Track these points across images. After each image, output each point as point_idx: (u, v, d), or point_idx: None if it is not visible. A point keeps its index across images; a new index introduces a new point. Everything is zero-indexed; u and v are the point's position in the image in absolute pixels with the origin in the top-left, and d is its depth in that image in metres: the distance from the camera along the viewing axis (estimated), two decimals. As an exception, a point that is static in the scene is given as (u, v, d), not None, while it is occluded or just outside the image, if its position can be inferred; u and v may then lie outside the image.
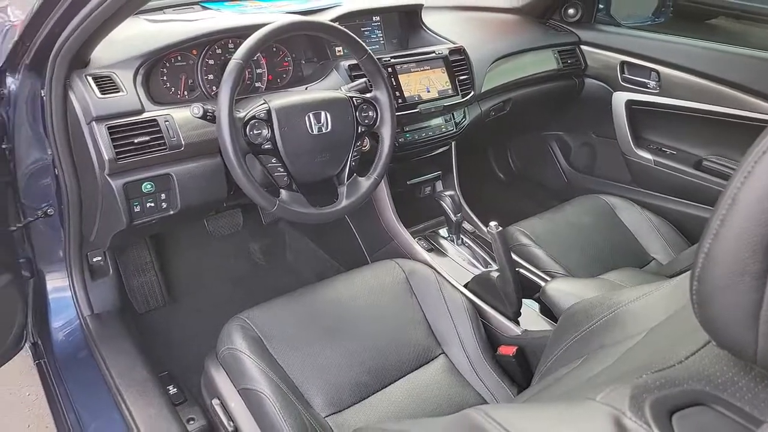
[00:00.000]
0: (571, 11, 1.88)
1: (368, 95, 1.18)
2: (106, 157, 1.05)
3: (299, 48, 1.41)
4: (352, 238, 1.62)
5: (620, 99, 1.80)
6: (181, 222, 1.55)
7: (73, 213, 1.26)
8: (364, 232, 1.58)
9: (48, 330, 1.37)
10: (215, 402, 1.07)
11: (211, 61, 1.29)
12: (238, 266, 1.85)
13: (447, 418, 0.51)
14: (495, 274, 1.21)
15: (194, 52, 1.27)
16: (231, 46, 1.31)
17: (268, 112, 1.05)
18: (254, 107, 1.06)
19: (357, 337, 1.14)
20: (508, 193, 2.28)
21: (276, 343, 1.09)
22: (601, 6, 1.88)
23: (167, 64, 1.24)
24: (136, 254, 1.65)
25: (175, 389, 1.27)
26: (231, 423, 1.03)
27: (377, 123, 1.18)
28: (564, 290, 1.08)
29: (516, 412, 0.45)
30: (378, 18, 1.57)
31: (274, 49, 1.38)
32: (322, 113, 1.10)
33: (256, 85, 1.36)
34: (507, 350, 1.15)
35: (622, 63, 1.78)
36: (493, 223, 1.12)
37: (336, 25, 1.11)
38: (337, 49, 1.49)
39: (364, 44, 1.14)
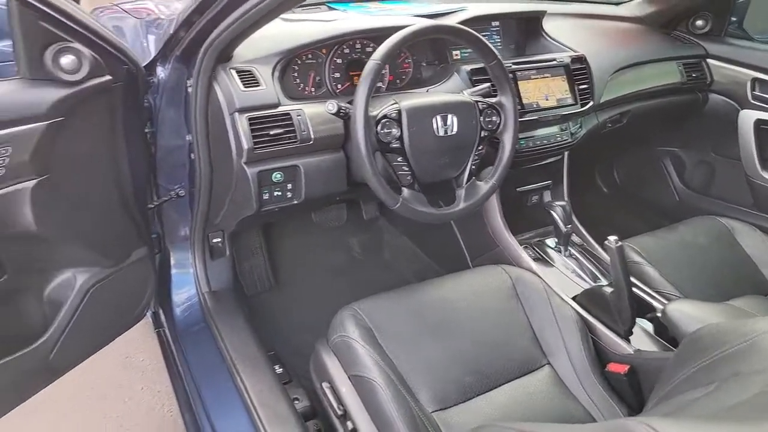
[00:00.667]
0: (699, 23, 1.80)
1: (493, 100, 1.20)
2: (245, 146, 1.14)
3: (421, 50, 1.46)
4: (455, 241, 1.64)
5: (748, 118, 1.71)
6: (298, 212, 1.64)
7: (203, 196, 1.37)
8: (468, 236, 1.60)
9: (170, 302, 1.49)
10: (325, 385, 1.13)
11: (339, 60, 1.36)
12: (337, 258, 1.93)
13: (593, 427, 0.52)
14: (608, 290, 1.19)
15: (324, 51, 1.34)
16: (358, 46, 1.37)
17: (399, 112, 1.09)
18: (385, 107, 1.11)
19: (462, 337, 1.16)
20: (610, 207, 2.22)
21: (385, 335, 1.13)
22: (733, 19, 1.79)
23: (299, 62, 1.32)
24: (247, 239, 1.76)
25: (281, 369, 1.35)
26: (341, 407, 1.08)
27: (500, 128, 1.20)
28: (688, 313, 1.05)
29: (683, 428, 0.46)
30: (497, 23, 1.59)
31: (398, 51, 1.43)
32: (449, 116, 1.13)
33: (378, 85, 1.42)
34: (618, 368, 1.13)
35: (754, 80, 1.69)
36: (612, 238, 1.11)
37: (472, 30, 1.14)
38: (454, 52, 1.51)
39: (495, 50, 1.16)
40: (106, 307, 1.25)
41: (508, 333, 1.20)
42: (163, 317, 1.56)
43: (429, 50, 1.46)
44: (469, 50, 1.52)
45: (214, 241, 1.54)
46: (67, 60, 0.96)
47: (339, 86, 1.37)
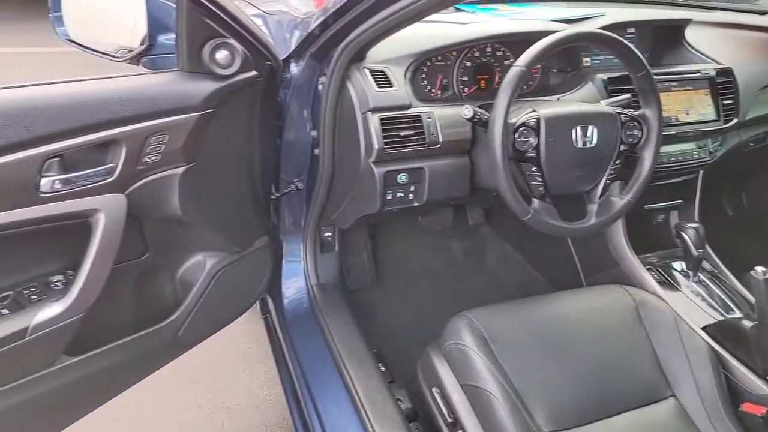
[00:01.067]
0: None
1: (635, 113, 1.14)
2: (375, 145, 1.16)
3: (552, 56, 1.41)
4: (567, 255, 1.58)
5: None
6: (415, 214, 1.65)
7: (322, 191, 1.40)
8: (585, 251, 1.54)
9: (279, 290, 1.55)
10: (435, 391, 1.12)
11: (468, 63, 1.35)
12: (438, 261, 1.92)
13: None
14: (747, 324, 1.11)
15: (454, 53, 1.34)
16: (489, 50, 1.36)
17: (538, 120, 1.07)
18: (523, 114, 1.08)
19: (580, 357, 1.12)
20: (737, 232, 2.06)
21: (501, 346, 1.11)
22: None
23: (428, 63, 1.32)
24: (354, 236, 1.79)
25: (384, 368, 1.36)
26: (451, 414, 1.07)
27: (641, 143, 1.14)
28: None
29: None
30: (633, 30, 1.51)
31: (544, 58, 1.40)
32: (589, 127, 1.09)
33: (503, 89, 1.39)
34: (754, 409, 1.05)
35: None
36: (760, 269, 1.02)
37: (622, 39, 1.09)
38: (584, 59, 1.46)
39: (645, 61, 1.10)
40: (228, 291, 1.31)
41: (629, 358, 1.14)
42: (270, 304, 1.62)
43: (561, 56, 1.42)
44: (600, 57, 1.46)
45: (325, 235, 1.58)
46: (222, 55, 1.02)
47: (466, 89, 1.36)
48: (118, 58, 1.21)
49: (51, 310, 0.93)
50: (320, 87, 1.29)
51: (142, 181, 1.01)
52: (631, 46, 1.10)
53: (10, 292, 0.94)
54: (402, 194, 1.23)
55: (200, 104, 1.02)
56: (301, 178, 1.48)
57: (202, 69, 1.02)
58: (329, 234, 1.59)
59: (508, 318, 1.17)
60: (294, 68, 1.38)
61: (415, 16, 1.02)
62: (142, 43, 1.20)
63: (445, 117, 1.21)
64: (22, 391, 0.95)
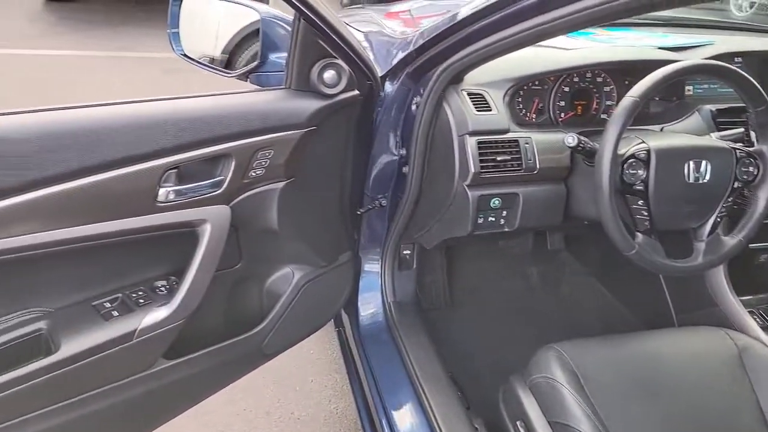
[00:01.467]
0: None
1: (752, 149, 1.09)
2: (471, 169, 1.15)
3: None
4: (657, 291, 1.52)
5: None
6: (502, 239, 1.63)
7: (407, 209, 1.41)
8: (679, 287, 1.48)
9: (355, 305, 1.56)
10: (520, 424, 1.10)
11: (566, 88, 1.32)
12: (514, 285, 1.89)
13: None
14: None
15: (552, 78, 1.32)
16: (588, 75, 1.33)
17: (648, 152, 1.03)
18: (632, 145, 1.05)
19: (677, 405, 1.06)
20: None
21: (593, 384, 1.07)
22: None
23: (525, 87, 1.31)
24: (431, 254, 1.78)
25: (459, 393, 1.34)
26: None
27: (756, 181, 1.08)
28: None
29: None
30: (740, 59, 1.44)
31: (626, 82, 1.36)
32: (703, 162, 1.04)
33: (601, 117, 1.36)
34: None
35: None
36: None
37: (743, 72, 1.04)
38: (687, 88, 1.40)
39: (765, 95, 1.05)
40: (311, 304, 1.33)
41: (730, 408, 1.08)
42: (345, 318, 1.63)
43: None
44: (704, 86, 1.40)
45: (404, 252, 1.58)
46: (329, 75, 1.04)
47: (562, 115, 1.33)
48: (229, 73, 1.27)
49: (156, 314, 0.97)
50: (414, 107, 1.30)
51: (246, 194, 1.05)
52: (752, 79, 1.05)
53: (120, 295, 0.99)
54: (493, 219, 1.22)
55: (305, 121, 1.04)
56: (386, 194, 1.49)
57: (309, 87, 1.05)
58: (408, 252, 1.59)
59: (600, 354, 1.13)
60: (388, 86, 1.39)
61: (516, 46, 1.01)
62: (254, 60, 1.25)
63: (543, 143, 1.19)
64: (121, 392, 0.99)
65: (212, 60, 1.56)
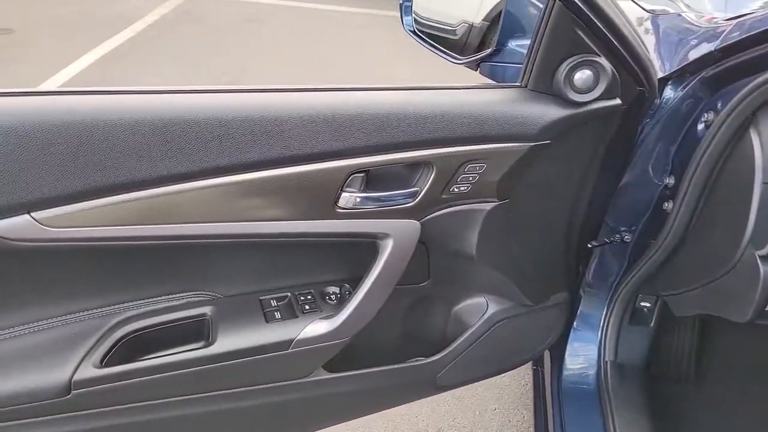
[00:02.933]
0: None
1: None
2: None
3: None
4: None
5: None
6: None
7: (659, 256, 1.08)
8: None
9: (562, 350, 1.30)
10: None
11: None
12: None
13: None
14: None
15: None
16: None
17: None
18: None
19: None
20: None
21: None
22: None
23: None
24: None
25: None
26: None
27: None
28: None
29: None
30: None
31: None
32: None
33: None
34: None
35: None
36: None
37: None
38: None
39: None
40: (504, 343, 1.13)
41: None
42: (547, 359, 1.38)
43: None
44: None
45: (642, 304, 1.26)
46: (582, 76, 0.79)
47: None
48: (457, 59, 1.08)
49: (318, 326, 0.88)
50: (701, 125, 0.96)
51: (443, 212, 0.87)
52: None
53: (288, 294, 0.91)
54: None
55: (536, 133, 0.82)
56: (632, 228, 1.17)
57: (550, 90, 0.81)
58: (647, 304, 1.26)
59: None
60: (669, 92, 1.05)
61: None
62: (488, 46, 1.04)
63: None
64: (271, 394, 0.93)
65: (470, 27, 1.37)
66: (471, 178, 0.83)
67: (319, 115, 0.73)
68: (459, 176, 0.82)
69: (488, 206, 0.88)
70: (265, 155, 0.72)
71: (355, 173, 0.77)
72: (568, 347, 1.29)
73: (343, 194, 0.78)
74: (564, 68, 0.78)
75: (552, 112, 0.81)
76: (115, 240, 0.72)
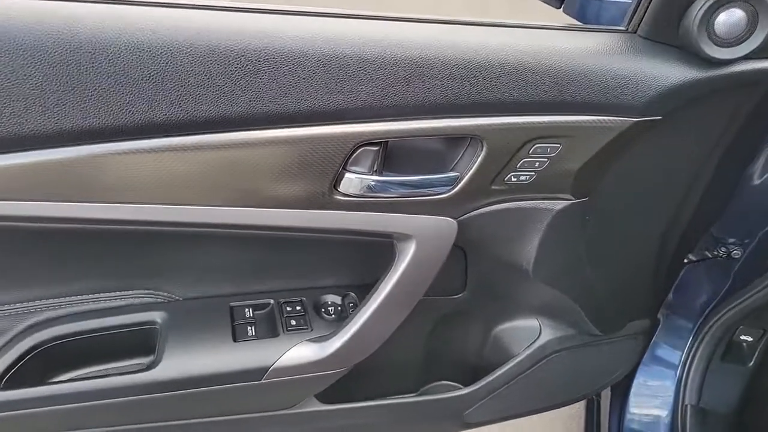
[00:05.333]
0: None
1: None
2: None
3: None
4: None
5: None
6: None
7: None
8: None
9: (626, 386, 1.06)
10: None
11: None
12: None
13: None
14: None
15: None
16: None
17: None
18: None
19: None
20: None
21: None
22: None
23: None
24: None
25: None
26: None
27: None
28: None
29: None
30: None
31: None
32: None
33: None
34: None
35: None
36: None
37: None
38: None
39: None
40: (556, 379, 0.90)
41: None
42: (608, 390, 1.13)
43: None
44: None
45: (742, 337, 1.00)
46: (728, 20, 0.52)
47: None
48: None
49: (306, 351, 0.66)
50: None
51: (491, 208, 0.63)
52: None
53: (271, 302, 0.69)
54: None
55: (644, 104, 0.56)
56: (746, 241, 0.91)
57: (675, 39, 0.55)
58: (749, 339, 1.00)
59: None
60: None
61: None
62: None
63: None
64: (241, 427, 0.72)
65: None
66: (537, 164, 0.58)
67: (312, 52, 0.49)
68: (520, 160, 0.58)
69: (558, 205, 0.63)
70: (224, 110, 0.49)
71: (365, 145, 0.53)
72: (636, 382, 1.06)
73: (347, 175, 0.55)
74: (700, 6, 0.51)
75: (674, 74, 0.55)
76: (25, 220, 0.51)
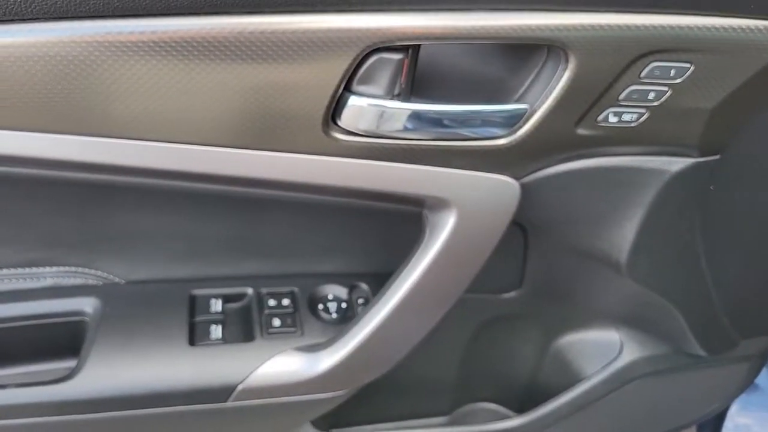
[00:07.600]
0: None
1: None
2: None
3: None
4: None
5: None
6: None
7: None
8: None
9: (720, 417, 0.85)
10: None
11: None
12: None
13: None
14: None
15: None
16: None
17: None
18: None
19: None
20: None
21: None
22: None
23: None
24: None
25: None
26: None
27: None
28: None
29: None
30: None
31: None
32: None
33: None
34: None
35: None
36: None
37: None
38: None
39: None
40: (640, 408, 0.70)
41: None
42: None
43: None
44: None
45: None
46: None
47: None
48: None
49: (289, 364, 0.48)
50: None
51: (572, 165, 0.43)
52: None
53: (248, 291, 0.51)
54: None
55: None
56: None
57: None
58: None
59: None
60: None
61: None
62: None
63: None
64: None
65: None
66: (653, 96, 0.39)
67: None
68: (626, 88, 0.38)
69: (675, 165, 0.43)
70: None
71: (382, 50, 0.34)
72: (732, 412, 0.85)
73: (352, 99, 0.36)
74: None
75: None
76: None
